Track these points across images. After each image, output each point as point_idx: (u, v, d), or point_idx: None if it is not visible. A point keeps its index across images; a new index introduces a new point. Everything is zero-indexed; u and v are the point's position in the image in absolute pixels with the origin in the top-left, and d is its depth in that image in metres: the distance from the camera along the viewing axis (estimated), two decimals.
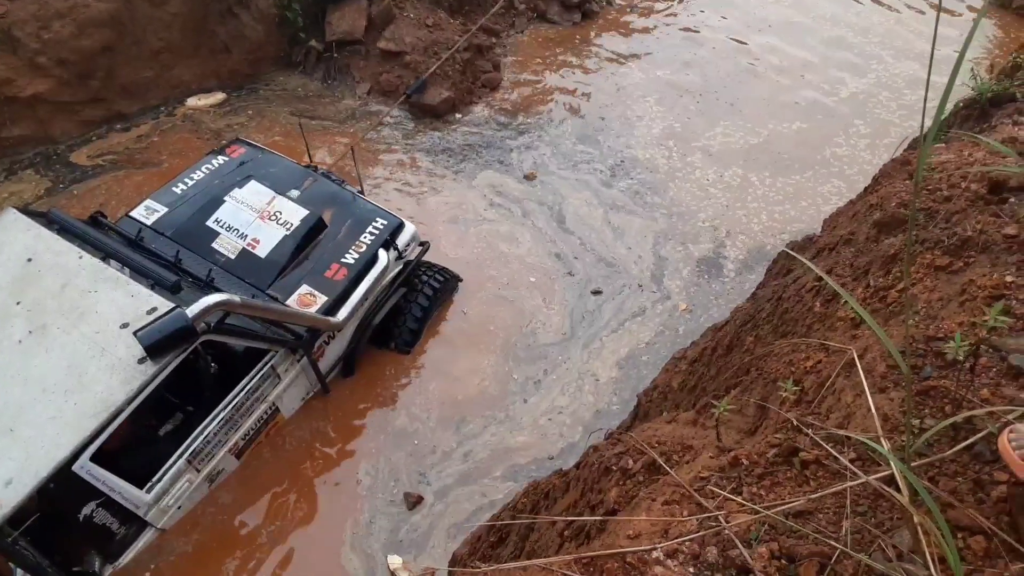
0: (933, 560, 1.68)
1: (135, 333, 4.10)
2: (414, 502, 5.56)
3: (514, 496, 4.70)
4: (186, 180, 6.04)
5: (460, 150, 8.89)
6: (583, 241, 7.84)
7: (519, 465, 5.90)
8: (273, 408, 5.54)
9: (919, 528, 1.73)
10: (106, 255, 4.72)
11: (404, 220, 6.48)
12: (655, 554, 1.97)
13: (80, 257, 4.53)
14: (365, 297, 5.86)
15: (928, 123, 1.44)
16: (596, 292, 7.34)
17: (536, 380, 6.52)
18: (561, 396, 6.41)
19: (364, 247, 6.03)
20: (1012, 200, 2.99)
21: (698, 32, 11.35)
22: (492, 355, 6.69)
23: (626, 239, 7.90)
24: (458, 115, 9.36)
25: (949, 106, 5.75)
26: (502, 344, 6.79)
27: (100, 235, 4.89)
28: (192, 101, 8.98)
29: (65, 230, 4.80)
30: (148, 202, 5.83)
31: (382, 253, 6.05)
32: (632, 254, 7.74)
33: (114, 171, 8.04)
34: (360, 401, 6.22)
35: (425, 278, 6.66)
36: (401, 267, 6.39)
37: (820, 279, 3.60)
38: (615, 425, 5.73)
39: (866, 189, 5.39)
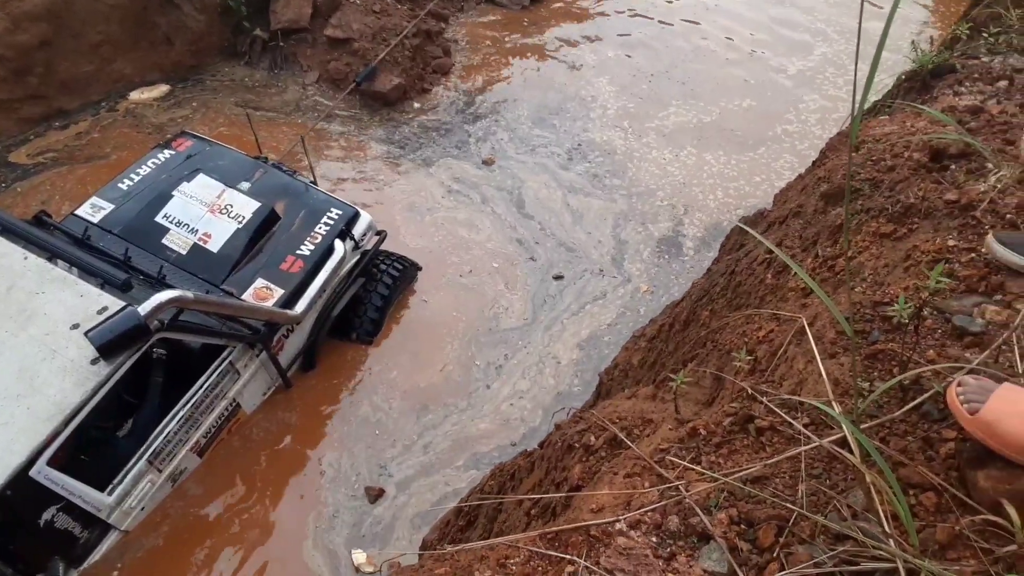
0: (886, 517, 1.73)
1: (86, 334, 3.99)
2: (375, 495, 5.53)
3: (480, 480, 4.73)
4: (132, 176, 5.89)
5: (415, 137, 8.83)
6: (543, 226, 7.85)
7: (481, 453, 5.91)
8: (234, 404, 5.46)
9: (872, 487, 1.79)
10: (52, 255, 4.58)
11: (359, 209, 6.42)
12: (618, 526, 1.99)
13: (25, 258, 4.40)
14: (323, 289, 5.79)
15: (860, 94, 1.47)
16: (558, 277, 7.35)
17: (498, 365, 6.54)
18: (522, 380, 6.43)
19: (319, 238, 5.95)
20: (953, 167, 3.07)
21: (648, 12, 11.38)
22: (454, 342, 6.68)
23: (585, 223, 7.93)
24: (416, 104, 9.30)
25: (892, 79, 5.88)
26: (463, 331, 6.78)
27: (45, 235, 4.75)
28: (135, 95, 8.77)
29: (7, 231, 4.65)
30: (94, 199, 5.67)
31: (338, 243, 5.98)
32: (592, 239, 7.76)
33: (58, 167, 7.83)
34: (322, 394, 6.17)
35: (384, 267, 6.61)
36: (358, 257, 6.33)
37: (771, 252, 3.66)
38: (578, 406, 5.77)
39: (814, 163, 5.50)
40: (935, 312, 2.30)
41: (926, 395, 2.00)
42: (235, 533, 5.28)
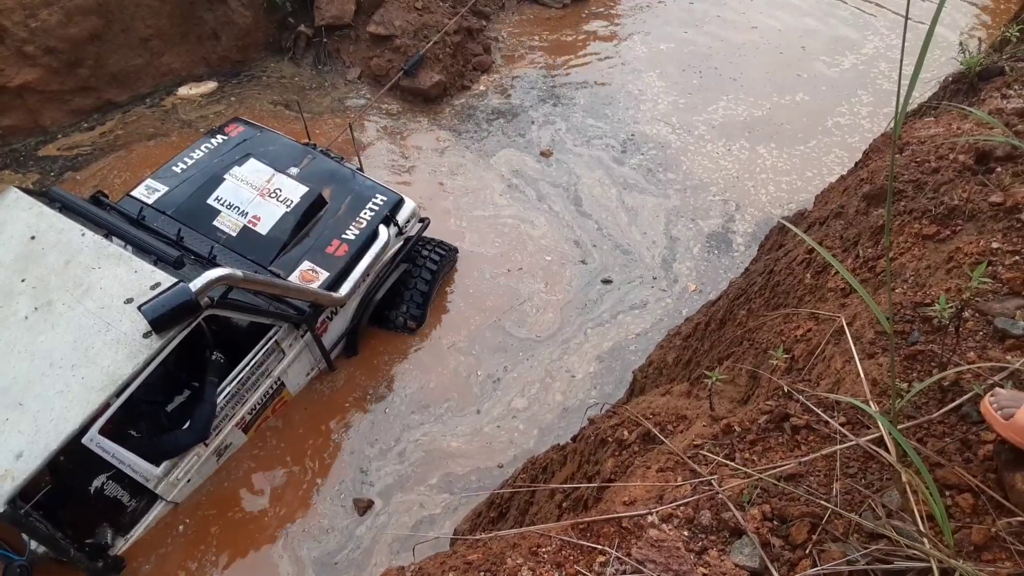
0: (922, 517, 1.72)
1: (140, 308, 4.14)
2: (364, 507, 5.48)
3: (512, 473, 4.75)
4: (186, 159, 6.09)
5: (464, 130, 8.93)
6: (600, 226, 7.79)
7: (456, 475, 5.80)
8: (279, 383, 5.62)
9: (908, 487, 1.78)
10: (108, 232, 4.75)
11: (404, 196, 6.53)
12: (650, 518, 2.01)
13: (83, 234, 4.57)
14: (366, 273, 5.93)
15: (904, 94, 1.47)
16: (606, 281, 7.26)
17: (496, 379, 6.46)
18: (520, 398, 6.32)
19: (364, 223, 6.09)
20: (998, 169, 3.02)
21: (696, 7, 11.35)
22: (469, 343, 6.67)
23: (640, 222, 7.86)
24: (461, 97, 9.41)
25: (939, 79, 5.79)
26: (484, 332, 6.76)
27: (102, 213, 4.92)
28: (183, 90, 8.96)
29: (67, 208, 4.83)
30: (148, 181, 5.88)
31: (382, 229, 6.11)
32: (647, 239, 7.68)
33: (115, 152, 8.07)
34: (359, 383, 6.28)
35: (426, 253, 6.72)
36: (401, 243, 6.44)
37: (811, 252, 3.64)
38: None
39: (857, 164, 5.43)
40: (977, 314, 2.28)
41: (965, 397, 1.98)
42: (231, 518, 5.37)
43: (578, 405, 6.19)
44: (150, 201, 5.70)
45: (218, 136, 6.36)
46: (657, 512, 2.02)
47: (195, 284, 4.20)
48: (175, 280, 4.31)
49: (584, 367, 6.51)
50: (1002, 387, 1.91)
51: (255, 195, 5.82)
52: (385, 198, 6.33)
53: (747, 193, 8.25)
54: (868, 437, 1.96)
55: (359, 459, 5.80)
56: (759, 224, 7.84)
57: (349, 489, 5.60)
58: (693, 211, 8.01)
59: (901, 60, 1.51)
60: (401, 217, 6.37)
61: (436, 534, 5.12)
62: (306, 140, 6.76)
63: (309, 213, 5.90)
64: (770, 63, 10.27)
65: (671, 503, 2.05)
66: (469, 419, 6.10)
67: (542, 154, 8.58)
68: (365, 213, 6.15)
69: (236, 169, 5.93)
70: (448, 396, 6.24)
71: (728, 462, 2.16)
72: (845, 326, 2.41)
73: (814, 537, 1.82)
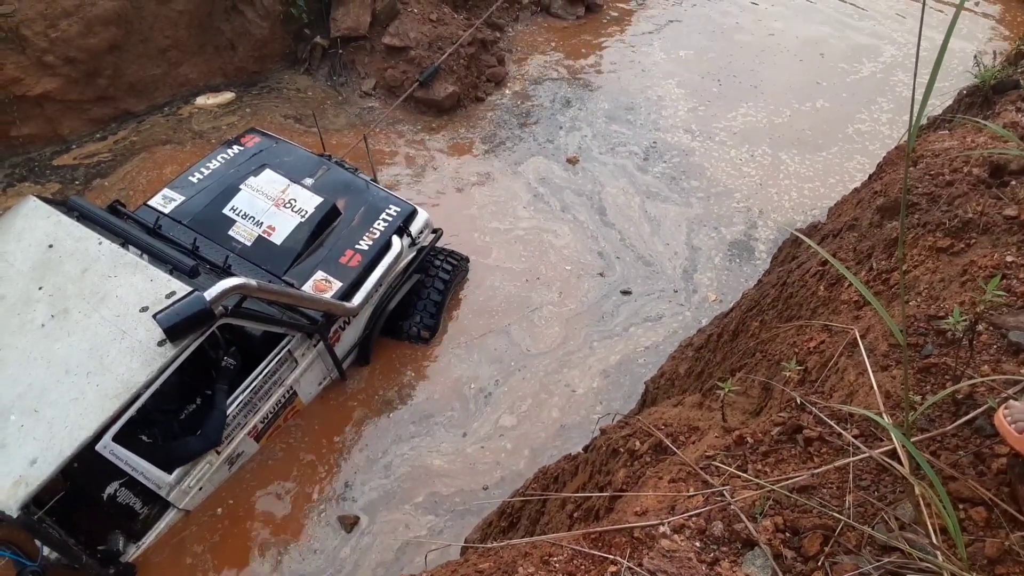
0: (935, 530, 1.72)
1: (155, 316, 4.18)
2: (351, 524, 5.40)
3: (524, 482, 4.75)
4: (202, 169, 6.15)
5: (489, 139, 8.97)
6: (623, 236, 7.74)
7: (441, 495, 5.67)
8: (291, 392, 5.64)
9: (921, 499, 1.78)
10: (125, 241, 4.80)
11: (417, 207, 6.56)
12: (662, 529, 2.01)
13: (100, 243, 4.62)
14: (379, 283, 5.95)
15: (916, 112, 1.48)
16: (626, 292, 7.16)
17: (488, 393, 6.36)
18: (509, 416, 6.18)
19: (378, 234, 6.12)
20: (1013, 183, 3.02)
21: (713, 16, 11.39)
22: (465, 357, 6.62)
23: (663, 232, 7.81)
24: (484, 100, 9.52)
25: (954, 93, 5.79)
26: (483, 347, 6.70)
27: (119, 222, 4.96)
28: (201, 100, 9.00)
29: (84, 217, 4.89)
30: (165, 191, 5.93)
31: (396, 239, 6.13)
32: (669, 250, 7.62)
33: (138, 155, 8.10)
34: (367, 393, 6.27)
35: (438, 263, 6.74)
36: (414, 253, 6.47)
37: (824, 264, 3.64)
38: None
39: (871, 177, 5.43)
40: (991, 327, 2.27)
41: (979, 410, 1.98)
42: (226, 525, 5.35)
43: (578, 423, 6.05)
44: (166, 211, 5.75)
45: (234, 147, 6.42)
46: (669, 523, 2.02)
47: (210, 293, 4.24)
48: (190, 289, 4.35)
49: (587, 382, 6.38)
50: (1016, 400, 1.90)
51: (270, 205, 5.86)
52: (399, 209, 6.37)
53: (770, 200, 8.23)
54: (881, 449, 1.96)
55: (350, 470, 5.76)
56: (781, 231, 7.79)
57: (335, 508, 5.52)
58: (716, 219, 7.97)
59: (915, 73, 1.52)
60: (414, 228, 6.40)
61: (443, 543, 5.09)
62: (321, 151, 6.80)
63: (323, 223, 5.93)
64: (789, 70, 10.30)
65: (683, 514, 2.05)
66: (454, 437, 6.01)
67: (568, 161, 8.59)
68: (379, 224, 6.18)
69: (252, 179, 5.98)
70: (452, 406, 6.22)
71: (740, 473, 2.16)
72: (859, 338, 2.40)
73: (827, 549, 1.82)
